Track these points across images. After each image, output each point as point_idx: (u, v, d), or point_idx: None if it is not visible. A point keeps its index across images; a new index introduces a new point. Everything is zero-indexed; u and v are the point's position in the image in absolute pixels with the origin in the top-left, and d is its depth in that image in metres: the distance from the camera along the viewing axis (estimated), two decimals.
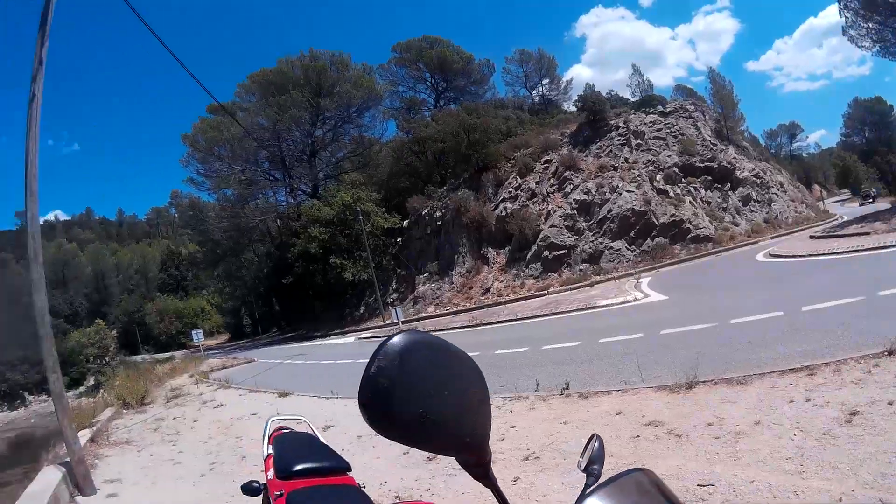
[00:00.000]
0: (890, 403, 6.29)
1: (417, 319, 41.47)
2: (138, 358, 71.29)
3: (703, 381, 8.75)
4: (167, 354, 67.47)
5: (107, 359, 53.74)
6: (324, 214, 53.43)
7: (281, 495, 3.17)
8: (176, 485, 10.06)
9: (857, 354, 8.35)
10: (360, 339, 40.35)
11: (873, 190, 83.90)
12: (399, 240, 56.00)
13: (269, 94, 63.97)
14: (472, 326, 30.00)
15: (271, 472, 3.49)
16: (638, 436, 7.14)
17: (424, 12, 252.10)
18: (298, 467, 3.34)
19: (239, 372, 30.10)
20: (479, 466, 1.66)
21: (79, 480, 10.02)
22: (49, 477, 9.70)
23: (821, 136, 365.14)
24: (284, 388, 18.52)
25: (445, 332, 30.09)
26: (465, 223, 46.75)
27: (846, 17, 40.31)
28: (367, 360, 1.33)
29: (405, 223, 55.35)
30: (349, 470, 3.48)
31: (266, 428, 4.26)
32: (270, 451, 3.81)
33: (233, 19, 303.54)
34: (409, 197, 54.88)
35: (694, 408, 7.81)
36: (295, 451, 3.65)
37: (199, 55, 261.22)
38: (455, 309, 41.54)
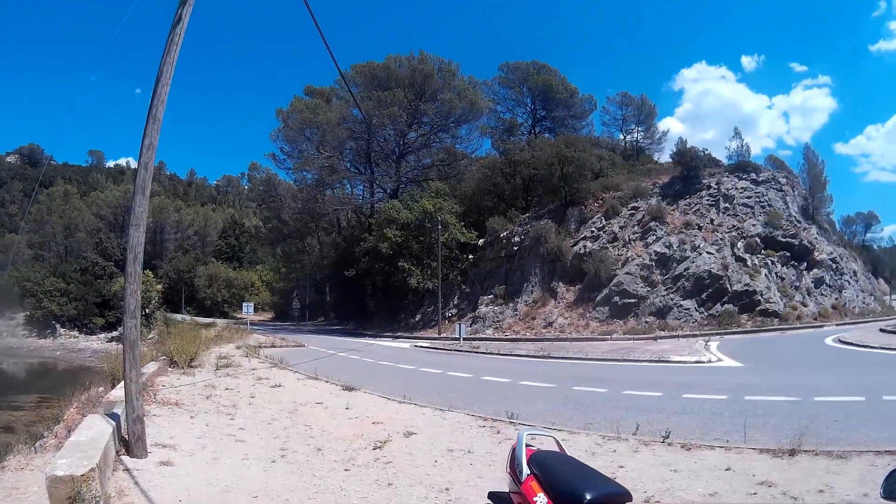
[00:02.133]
0: None
1: (477, 339, 41.09)
2: (178, 316, 71.78)
3: (805, 451, 8.96)
4: (209, 320, 67.29)
5: (146, 310, 55.41)
6: (402, 217, 53.41)
7: None
8: (243, 466, 9.57)
9: None
10: (416, 346, 40.19)
11: None
12: (471, 257, 55.86)
13: (371, 88, 64.25)
14: (540, 357, 29.12)
15: (542, 499, 3.24)
16: (755, 493, 7.38)
17: (531, 35, 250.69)
18: (590, 496, 2.95)
19: (291, 354, 29.13)
20: None
21: (129, 439, 9.55)
22: (95, 428, 8.95)
23: (895, 231, 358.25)
24: (346, 381, 18.15)
25: (511, 356, 30.35)
26: (541, 253, 46.69)
27: None
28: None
29: (481, 242, 55.22)
30: (630, 499, 3.13)
31: (520, 441, 3.76)
32: (532, 471, 3.51)
33: (335, 11, 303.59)
34: (490, 217, 54.84)
35: (800, 474, 8.05)
36: (569, 476, 3.30)
37: (301, 37, 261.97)
38: (514, 336, 41.39)
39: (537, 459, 3.59)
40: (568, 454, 3.86)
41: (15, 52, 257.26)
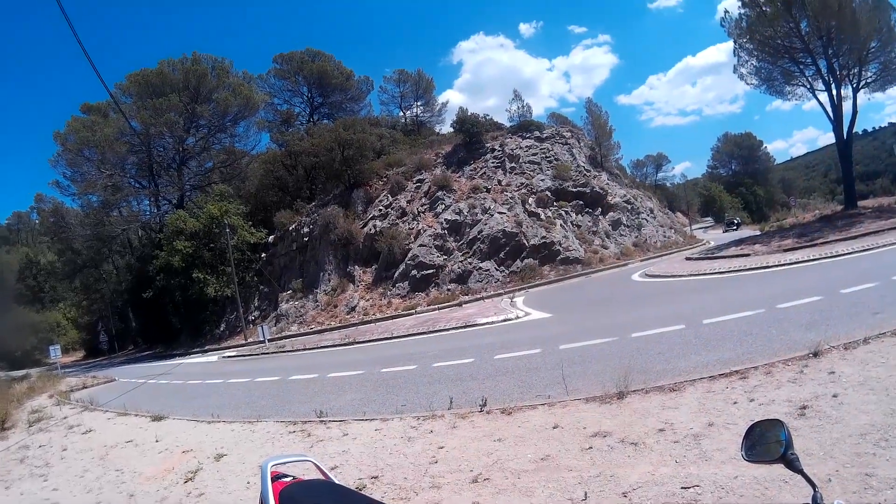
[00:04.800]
0: (835, 396, 6.85)
1: (283, 337, 40.34)
2: None
3: (634, 391, 8.82)
4: (22, 372, 60.63)
5: None
6: (189, 226, 51.25)
7: None
8: None
9: (782, 358, 8.86)
10: (223, 357, 38.98)
11: (737, 218, 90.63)
12: (263, 255, 54.53)
13: (147, 97, 61.16)
14: (346, 345, 28.99)
15: None
16: (590, 447, 7.01)
17: (311, 24, 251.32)
18: None
19: (101, 392, 28.14)
20: None
21: None
22: None
23: (685, 168, 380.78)
24: (156, 410, 17.30)
25: (317, 350, 30.00)
26: (332, 240, 46.16)
27: (739, 56, 42.15)
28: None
29: (271, 238, 54.07)
30: None
31: (264, 476, 2.83)
32: None
33: (112, 19, 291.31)
34: (276, 211, 54.05)
35: (635, 416, 7.82)
36: None
37: (77, 51, 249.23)
38: (319, 328, 40.59)
39: (291, 497, 2.70)
40: (334, 481, 3.04)
41: None
